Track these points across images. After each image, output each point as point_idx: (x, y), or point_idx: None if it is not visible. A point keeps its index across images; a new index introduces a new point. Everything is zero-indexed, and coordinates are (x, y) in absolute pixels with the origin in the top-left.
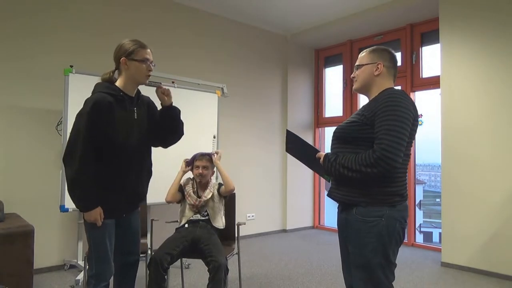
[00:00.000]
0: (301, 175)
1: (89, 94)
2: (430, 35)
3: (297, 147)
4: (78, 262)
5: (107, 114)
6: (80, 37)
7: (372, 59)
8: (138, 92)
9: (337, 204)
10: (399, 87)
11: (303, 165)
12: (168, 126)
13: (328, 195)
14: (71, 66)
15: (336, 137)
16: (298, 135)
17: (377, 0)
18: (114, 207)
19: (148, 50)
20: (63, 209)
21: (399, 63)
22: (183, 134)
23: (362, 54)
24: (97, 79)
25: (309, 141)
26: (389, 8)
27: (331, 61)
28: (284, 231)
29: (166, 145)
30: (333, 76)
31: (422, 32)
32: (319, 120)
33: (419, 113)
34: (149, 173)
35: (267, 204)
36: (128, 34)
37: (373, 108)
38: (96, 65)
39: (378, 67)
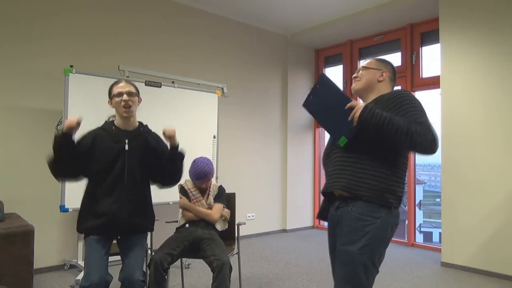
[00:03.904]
0: (301, 175)
1: (89, 94)
2: (430, 35)
3: (323, 98)
4: (78, 262)
5: (89, 143)
6: (81, 37)
7: (379, 66)
8: (140, 127)
9: (331, 202)
10: (399, 87)
11: (304, 165)
12: (166, 166)
13: (324, 191)
14: (71, 66)
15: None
16: (298, 134)
17: (377, 0)
18: (98, 229)
19: (121, 84)
20: (63, 209)
21: (399, 63)
22: (178, 181)
23: (369, 60)
24: (97, 79)
25: (309, 141)
26: (389, 8)
27: (331, 61)
28: (284, 231)
29: (161, 185)
30: (333, 76)
31: (422, 32)
32: None
33: None
34: (144, 204)
35: (267, 204)
36: (128, 35)
37: (383, 105)
38: (96, 65)
39: (383, 74)
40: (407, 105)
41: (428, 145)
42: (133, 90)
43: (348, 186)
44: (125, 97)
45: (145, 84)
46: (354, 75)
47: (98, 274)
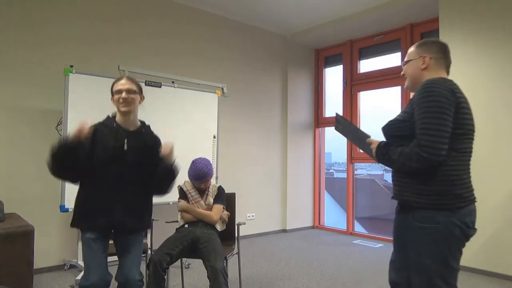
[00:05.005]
0: (301, 175)
1: (89, 94)
2: (430, 35)
3: (346, 128)
4: (78, 262)
5: (90, 137)
6: (81, 37)
7: (418, 53)
8: (142, 127)
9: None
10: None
11: (303, 165)
12: (157, 175)
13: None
14: (71, 66)
15: (383, 133)
16: (298, 134)
17: (377, 0)
18: (93, 226)
19: (121, 81)
20: (63, 209)
21: (398, 63)
22: (166, 192)
23: (410, 49)
24: (97, 79)
25: (309, 140)
26: (389, 8)
27: (331, 61)
28: (284, 231)
29: (152, 190)
30: (333, 76)
31: (422, 32)
32: (319, 120)
33: None
34: (140, 205)
35: (267, 204)
36: (128, 35)
37: (412, 102)
38: (97, 65)
39: (424, 60)
40: (419, 105)
41: (418, 165)
42: (133, 87)
43: (399, 193)
44: (123, 94)
45: (145, 84)
46: (402, 72)
47: (98, 273)
